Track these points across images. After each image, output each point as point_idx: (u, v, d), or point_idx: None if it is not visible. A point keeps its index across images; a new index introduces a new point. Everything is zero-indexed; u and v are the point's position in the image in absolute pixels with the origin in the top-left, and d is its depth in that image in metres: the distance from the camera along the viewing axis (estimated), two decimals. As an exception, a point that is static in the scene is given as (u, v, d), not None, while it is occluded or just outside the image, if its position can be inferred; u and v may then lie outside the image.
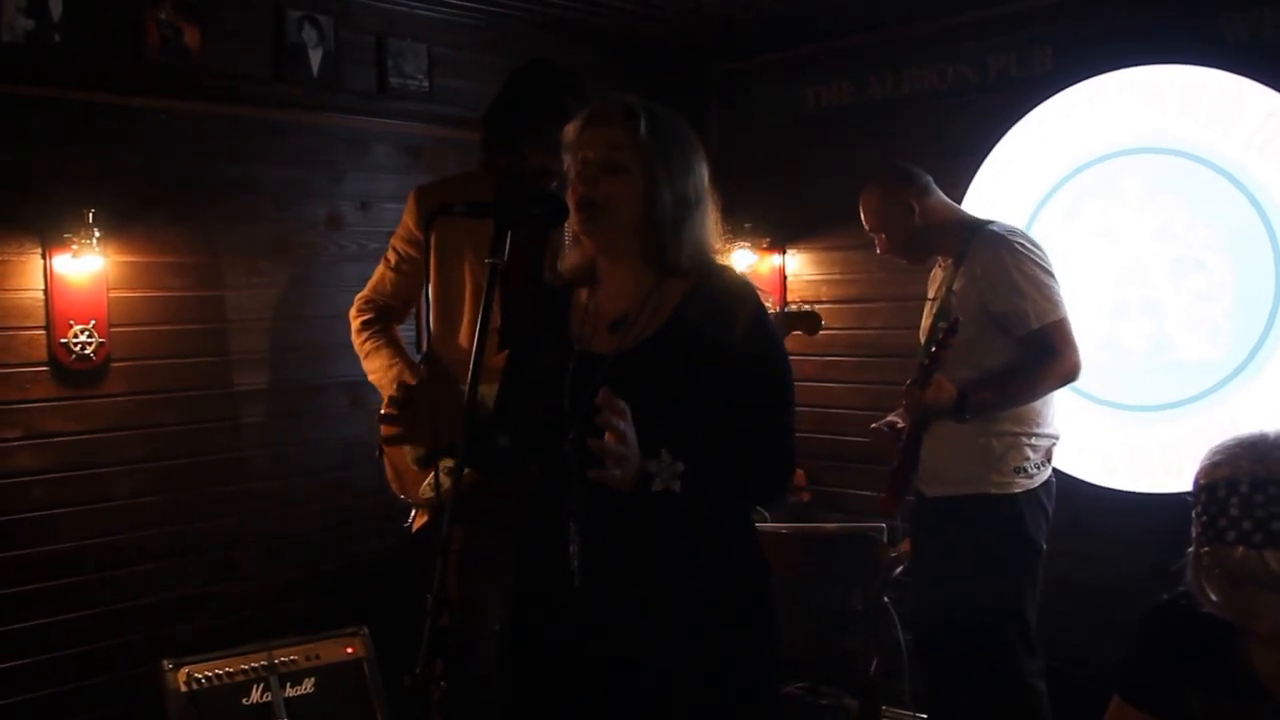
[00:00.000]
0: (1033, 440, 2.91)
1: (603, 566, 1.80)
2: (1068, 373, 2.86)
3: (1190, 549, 1.65)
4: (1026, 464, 2.89)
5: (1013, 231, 2.96)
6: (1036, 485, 2.91)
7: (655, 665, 1.80)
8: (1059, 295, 2.88)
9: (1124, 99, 3.68)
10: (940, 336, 2.81)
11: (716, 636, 1.82)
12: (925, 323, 3.13)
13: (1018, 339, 2.86)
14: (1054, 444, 2.98)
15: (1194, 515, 1.65)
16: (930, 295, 3.16)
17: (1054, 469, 3.01)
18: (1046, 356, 2.84)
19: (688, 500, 1.70)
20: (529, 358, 1.98)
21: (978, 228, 2.99)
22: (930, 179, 3.10)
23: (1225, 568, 1.57)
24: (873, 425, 3.08)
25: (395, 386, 2.51)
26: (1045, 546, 2.94)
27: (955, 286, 2.94)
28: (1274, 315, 3.42)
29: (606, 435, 1.61)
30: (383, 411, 2.62)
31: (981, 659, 2.91)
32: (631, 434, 1.64)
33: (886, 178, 3.10)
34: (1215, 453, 1.65)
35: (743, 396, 1.81)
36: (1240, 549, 1.55)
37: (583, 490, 1.80)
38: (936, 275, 3.15)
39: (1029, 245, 2.91)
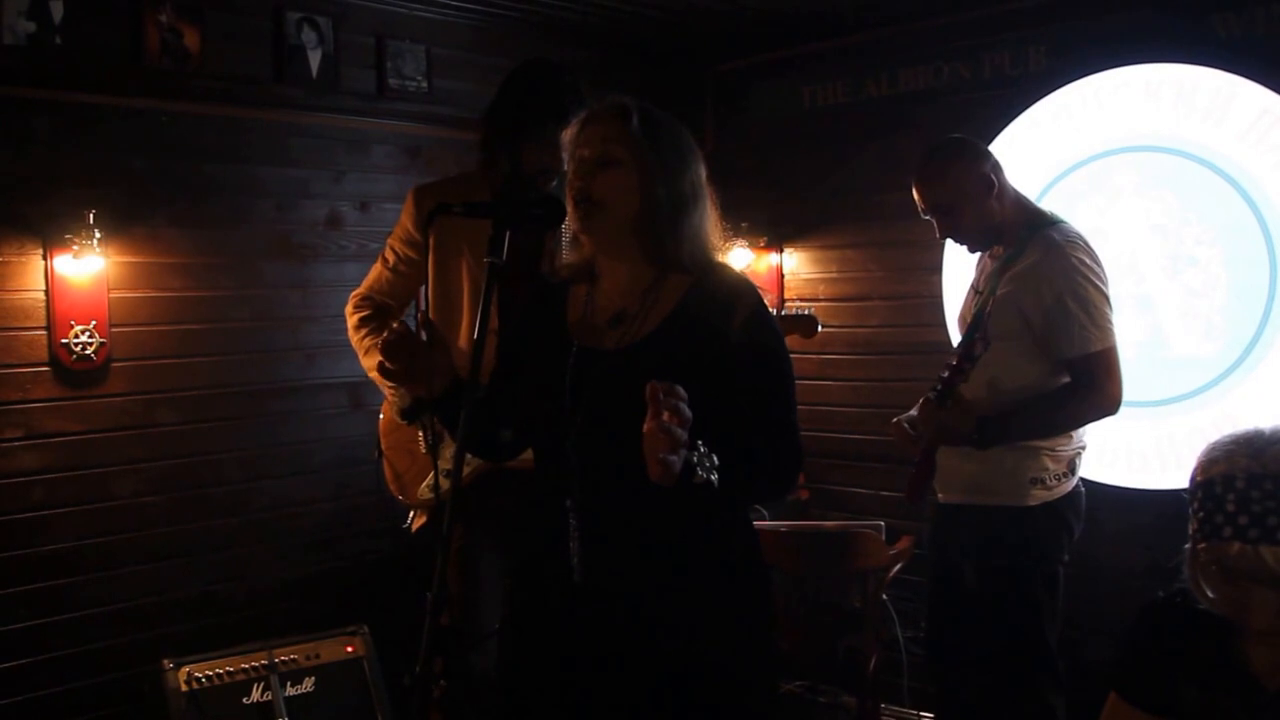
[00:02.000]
0: (1054, 451, 2.70)
1: (603, 562, 1.81)
2: (1107, 406, 2.65)
3: (1187, 545, 1.67)
4: (1044, 475, 2.69)
5: (1074, 242, 2.69)
6: (1057, 497, 2.71)
7: (654, 660, 1.80)
8: (1110, 321, 2.65)
9: (1118, 97, 3.69)
10: (955, 363, 2.61)
11: (715, 633, 1.83)
12: (964, 313, 2.89)
13: (1058, 362, 2.66)
14: (1078, 454, 2.76)
15: (1190, 512, 1.66)
16: (977, 287, 2.88)
17: (1080, 478, 2.80)
18: (1085, 387, 2.63)
19: (720, 495, 1.63)
20: (526, 353, 1.99)
21: (1037, 224, 2.73)
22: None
23: (1221, 563, 1.58)
24: (894, 420, 2.86)
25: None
26: (1067, 559, 2.77)
27: (1000, 290, 2.69)
28: (1268, 311, 3.44)
29: (666, 417, 1.53)
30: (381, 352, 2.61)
31: (995, 672, 2.77)
32: (690, 418, 1.56)
33: (952, 150, 2.78)
34: (1211, 449, 1.66)
35: (746, 393, 1.81)
36: (1236, 545, 1.56)
37: (583, 485, 1.81)
38: (985, 263, 2.88)
39: (1089, 261, 2.66)
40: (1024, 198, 2.86)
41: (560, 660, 1.87)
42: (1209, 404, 3.52)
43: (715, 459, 1.60)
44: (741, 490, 1.81)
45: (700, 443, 1.58)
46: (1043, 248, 2.68)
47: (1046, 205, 3.78)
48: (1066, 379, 2.69)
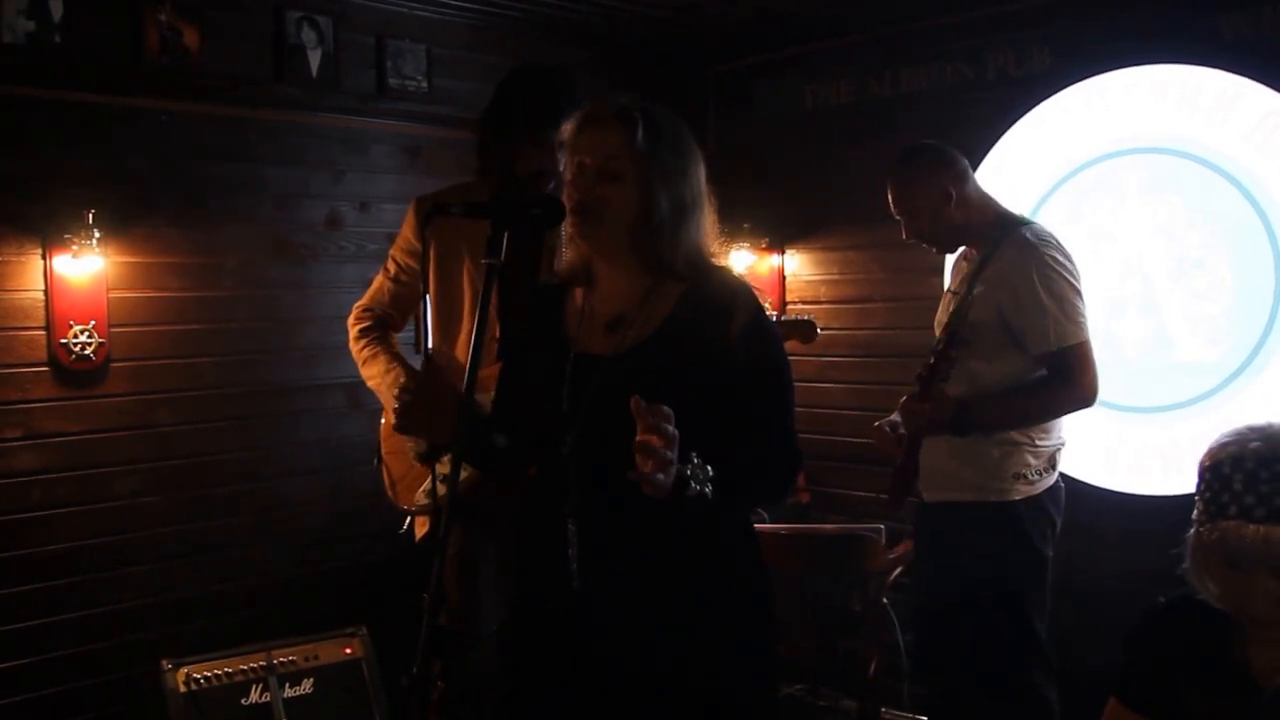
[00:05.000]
0: (1035, 447, 2.78)
1: (602, 570, 1.80)
2: (1082, 399, 2.73)
3: (1190, 533, 1.65)
4: (1027, 470, 2.77)
5: (1046, 240, 2.78)
6: (1039, 491, 2.79)
7: (654, 668, 1.79)
8: (1083, 316, 2.74)
9: (1123, 98, 3.67)
10: (940, 349, 2.70)
11: (715, 639, 1.82)
12: (941, 316, 2.98)
13: (1034, 357, 2.74)
14: (1058, 449, 2.85)
15: (1197, 498, 1.65)
16: (952, 288, 2.98)
17: (1060, 474, 2.88)
18: (1061, 379, 2.71)
19: (716, 505, 1.63)
20: (525, 360, 1.98)
21: (1010, 227, 2.82)
22: (968, 163, 2.91)
23: (1225, 545, 1.57)
24: (875, 424, 2.94)
25: (404, 378, 2.52)
26: (1051, 554, 2.84)
27: (976, 290, 2.78)
28: (1274, 316, 3.42)
29: (653, 439, 1.54)
30: (393, 406, 2.62)
31: (989, 669, 2.82)
32: (676, 436, 1.58)
33: (919, 157, 2.90)
34: (1223, 435, 1.66)
35: (745, 396, 1.80)
36: (1241, 524, 1.55)
37: (582, 493, 1.80)
38: (961, 266, 2.98)
39: (1060, 258, 2.75)
40: (993, 201, 2.94)
41: (559, 668, 1.86)
42: (1213, 409, 3.49)
43: (709, 470, 1.60)
44: (738, 497, 1.80)
45: (694, 454, 1.59)
46: (1016, 247, 2.77)
47: (1053, 206, 3.83)
48: (1043, 373, 2.77)
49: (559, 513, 1.82)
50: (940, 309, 3.02)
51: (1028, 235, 2.79)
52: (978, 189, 2.92)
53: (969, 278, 2.85)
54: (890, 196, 2.94)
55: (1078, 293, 2.75)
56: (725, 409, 1.77)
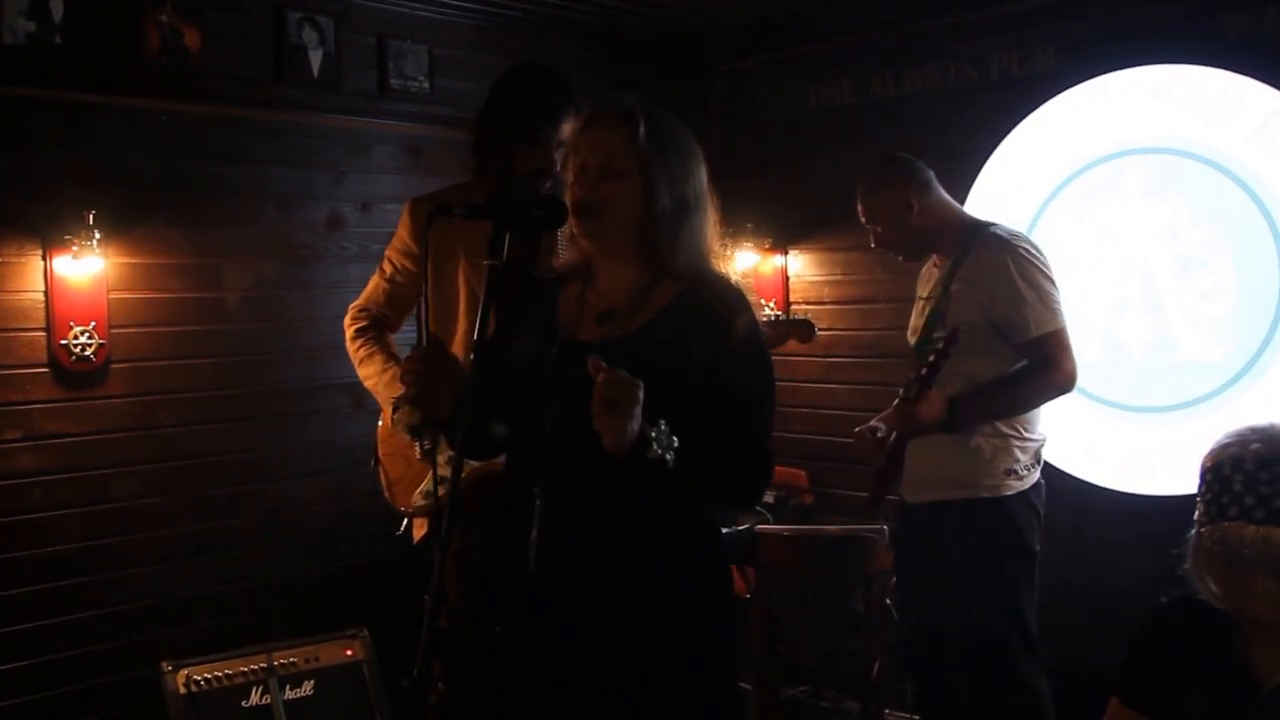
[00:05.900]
0: (1023, 442, 2.86)
1: (561, 550, 1.81)
2: (1063, 384, 2.82)
3: (1191, 533, 1.65)
4: (1017, 465, 2.85)
5: (1016, 236, 2.91)
6: (1027, 487, 2.87)
7: (604, 652, 1.79)
8: (1059, 304, 2.83)
9: (1126, 98, 3.67)
10: (940, 347, 2.74)
11: (670, 629, 1.82)
12: (915, 322, 3.07)
13: (1014, 346, 2.82)
14: (1041, 445, 2.93)
15: (1198, 499, 1.66)
16: (923, 294, 3.08)
17: (1050, 469, 2.94)
18: (1042, 366, 2.80)
19: (675, 481, 1.67)
20: (511, 343, 1.97)
21: (978, 230, 2.93)
22: (932, 174, 3.02)
23: (1225, 546, 1.57)
24: (857, 429, 3.02)
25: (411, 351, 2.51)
26: (1039, 548, 2.90)
27: (952, 289, 2.87)
28: (1278, 316, 3.41)
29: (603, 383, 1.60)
30: (391, 401, 2.61)
31: (983, 664, 2.87)
32: (640, 392, 1.62)
33: (885, 170, 3.04)
34: (1224, 437, 1.67)
35: (725, 400, 1.80)
36: (1241, 525, 1.55)
37: (553, 475, 1.81)
38: (930, 274, 3.09)
39: (1032, 251, 2.86)
40: (959, 209, 3.08)
41: (517, 646, 1.86)
42: (1217, 410, 3.49)
43: (674, 440, 1.64)
44: (699, 482, 1.78)
45: (662, 421, 1.62)
46: (987, 245, 2.87)
47: (1057, 207, 3.84)
48: (1024, 363, 2.85)
49: (530, 492, 1.83)
50: (914, 314, 3.10)
51: (999, 233, 2.91)
52: (942, 198, 3.03)
53: (943, 280, 2.93)
54: (859, 208, 3.07)
55: (1052, 282, 2.86)
56: (702, 409, 1.77)
